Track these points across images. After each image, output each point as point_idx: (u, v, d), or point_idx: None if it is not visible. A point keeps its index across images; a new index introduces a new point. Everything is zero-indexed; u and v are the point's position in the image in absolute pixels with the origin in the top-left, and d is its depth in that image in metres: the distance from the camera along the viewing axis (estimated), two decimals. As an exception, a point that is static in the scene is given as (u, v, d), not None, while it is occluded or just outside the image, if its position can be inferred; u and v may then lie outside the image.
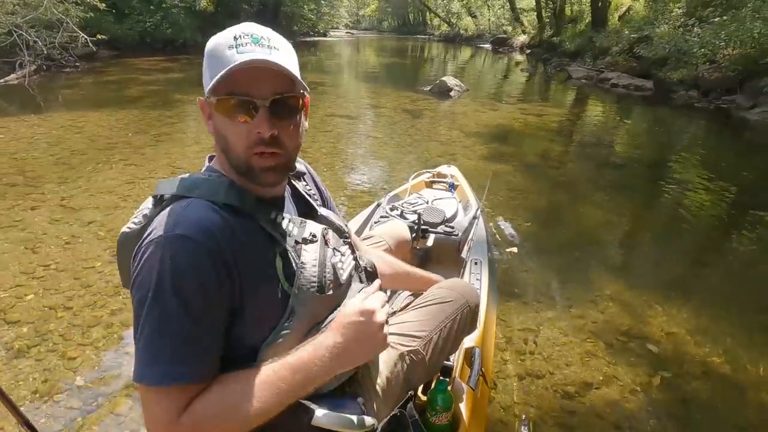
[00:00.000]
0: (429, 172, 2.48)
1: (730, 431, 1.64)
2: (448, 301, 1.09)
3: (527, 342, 2.01)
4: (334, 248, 0.83)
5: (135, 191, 3.50)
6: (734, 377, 1.88)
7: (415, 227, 1.79)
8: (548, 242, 3.04)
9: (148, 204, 0.78)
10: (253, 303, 0.70)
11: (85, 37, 10.23)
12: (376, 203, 2.10)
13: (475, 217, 2.03)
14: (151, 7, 15.87)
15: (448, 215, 1.96)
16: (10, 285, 2.29)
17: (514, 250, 2.78)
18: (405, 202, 2.04)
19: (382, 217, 1.91)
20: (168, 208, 0.70)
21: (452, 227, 1.88)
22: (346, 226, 0.95)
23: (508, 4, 24.67)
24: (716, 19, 9.06)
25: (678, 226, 3.47)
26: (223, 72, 0.66)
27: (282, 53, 0.72)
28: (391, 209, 1.97)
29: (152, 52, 13.79)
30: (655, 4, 13.33)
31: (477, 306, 1.16)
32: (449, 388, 1.11)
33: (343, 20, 51.83)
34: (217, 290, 0.66)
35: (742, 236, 3.31)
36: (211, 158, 0.83)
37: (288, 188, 0.88)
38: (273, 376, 0.67)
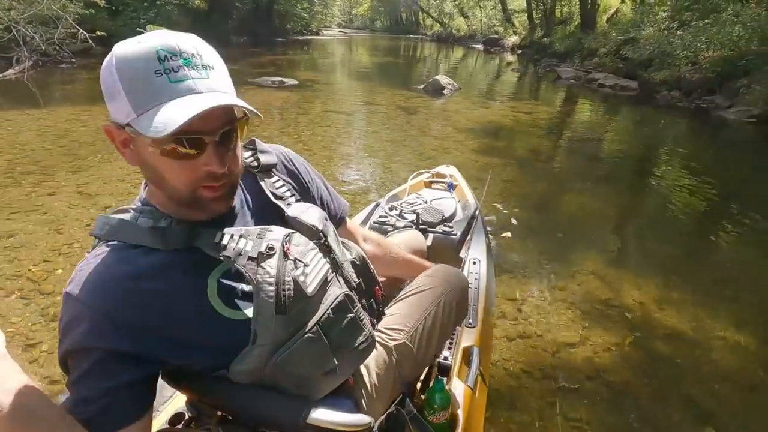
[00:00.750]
0: (428, 172, 2.48)
1: (688, 382, 1.89)
2: (429, 288, 1.07)
3: (515, 309, 2.26)
4: (296, 259, 0.73)
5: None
6: (694, 338, 2.14)
7: (414, 227, 1.82)
8: (536, 226, 3.29)
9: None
10: (196, 337, 0.68)
11: (84, 33, 10.30)
12: (375, 203, 2.09)
13: (473, 217, 2.02)
14: (145, 3, 15.91)
15: (447, 215, 1.96)
16: (40, 260, 2.48)
17: (509, 234, 3.02)
18: (404, 202, 2.03)
19: (381, 216, 1.90)
20: (94, 252, 0.70)
21: (451, 227, 1.87)
22: (324, 220, 0.85)
23: (499, 5, 25.04)
24: (698, 23, 9.44)
25: (653, 212, 3.77)
26: (176, 124, 0.57)
27: (218, 72, 0.65)
28: (390, 209, 1.96)
29: None
30: (641, 6, 13.76)
31: (464, 289, 1.14)
32: (447, 386, 1.11)
33: (336, 19, 51.89)
34: (121, 337, 0.64)
35: (708, 221, 3.60)
36: (146, 184, 0.76)
37: (243, 195, 0.81)
38: None
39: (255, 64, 12.55)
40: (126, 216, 0.71)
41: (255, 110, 0.65)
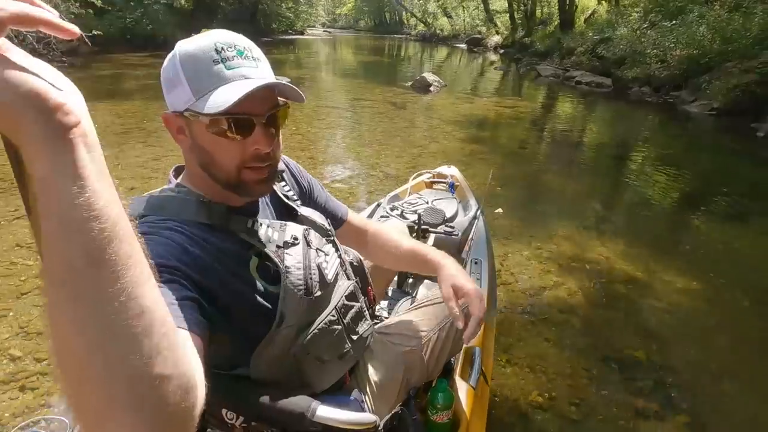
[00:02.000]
0: (429, 172, 2.49)
1: (641, 313, 2.33)
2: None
3: (498, 264, 2.67)
4: (317, 249, 0.82)
5: (162, 165, 4.01)
6: (647, 281, 2.59)
7: (416, 227, 1.82)
8: (518, 200, 3.73)
9: None
10: (236, 311, 0.69)
11: (83, 33, 10.42)
12: (376, 203, 2.10)
13: (475, 217, 2.03)
14: (131, 3, 15.94)
15: (448, 215, 1.97)
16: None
17: (500, 210, 3.43)
18: (405, 202, 2.05)
19: (382, 216, 1.93)
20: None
21: (452, 227, 1.88)
22: (328, 223, 0.94)
23: (482, 5, 25.64)
24: (667, 24, 10.08)
25: (621, 190, 4.28)
26: (234, 98, 0.63)
27: (264, 63, 0.72)
28: (392, 209, 1.98)
29: (133, 49, 13.87)
30: (616, 8, 14.44)
31: None
32: (450, 386, 1.12)
33: (320, 19, 52.00)
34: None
35: (667, 195, 4.09)
36: (177, 171, 0.80)
37: None
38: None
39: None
40: (169, 194, 0.74)
41: (300, 91, 0.73)
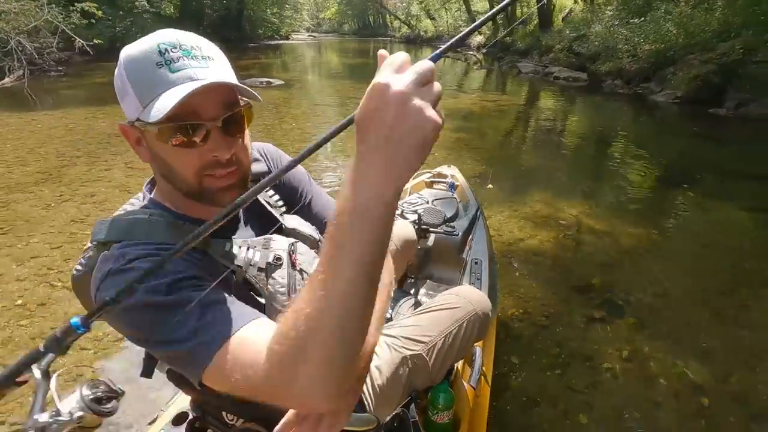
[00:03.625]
0: (429, 172, 2.48)
1: (599, 255, 2.85)
2: (456, 308, 1.09)
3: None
4: (301, 270, 0.75)
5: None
6: (608, 233, 3.12)
7: (416, 227, 1.81)
8: (503, 176, 4.24)
9: (90, 245, 0.71)
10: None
11: (82, 42, 10.73)
12: None
13: (475, 217, 2.04)
14: (121, 12, 16.19)
15: (449, 215, 1.97)
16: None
17: (491, 186, 3.93)
18: (405, 202, 2.04)
19: None
20: (108, 252, 0.64)
21: (453, 227, 1.88)
22: (317, 232, 0.85)
23: (464, 6, 26.31)
24: (637, 20, 10.76)
25: (590, 165, 4.86)
26: (172, 104, 0.58)
27: (218, 62, 0.66)
28: None
29: None
30: (591, 6, 15.17)
31: (486, 315, 1.13)
32: (451, 387, 1.13)
33: (305, 23, 52.36)
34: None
35: (630, 168, 4.65)
36: (150, 186, 0.75)
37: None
38: (325, 247, 0.48)
39: (235, 67, 13.15)
40: (136, 216, 0.68)
41: (253, 91, 0.66)
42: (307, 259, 0.77)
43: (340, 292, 0.46)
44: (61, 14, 10.75)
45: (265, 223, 0.79)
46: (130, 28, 16.26)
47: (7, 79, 9.14)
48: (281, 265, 0.71)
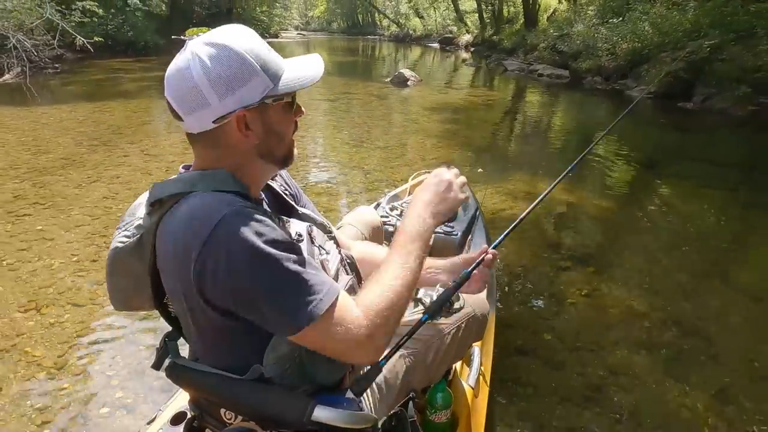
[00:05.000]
0: (428, 172, 2.87)
1: (572, 221, 3.30)
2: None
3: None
4: (320, 246, 0.84)
5: (185, 156, 4.81)
6: (578, 204, 3.57)
7: None
8: (488, 161, 4.69)
9: (138, 213, 0.76)
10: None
11: (83, 39, 10.93)
12: (375, 203, 2.14)
13: (474, 217, 2.04)
14: (113, 10, 16.28)
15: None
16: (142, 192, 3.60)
17: (481, 170, 4.37)
18: (404, 202, 2.06)
19: (382, 216, 1.90)
20: (188, 203, 0.66)
21: (451, 227, 1.88)
22: (327, 221, 0.95)
23: (452, 5, 26.79)
24: (615, 20, 11.34)
25: (566, 150, 5.33)
26: (308, 78, 0.75)
27: None
28: (391, 209, 1.99)
29: (115, 54, 14.26)
30: (574, 6, 15.75)
31: (485, 316, 1.16)
32: (449, 386, 1.13)
33: (294, 22, 52.41)
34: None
35: (602, 153, 5.14)
36: (186, 169, 0.79)
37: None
38: (399, 251, 0.75)
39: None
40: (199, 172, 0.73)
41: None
42: (322, 239, 0.88)
43: (410, 279, 0.72)
44: (61, 12, 10.93)
45: (279, 209, 0.88)
46: (122, 25, 16.34)
47: (7, 76, 9.33)
48: (302, 240, 0.78)
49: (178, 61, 0.68)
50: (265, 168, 0.78)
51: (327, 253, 0.85)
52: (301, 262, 0.65)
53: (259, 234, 0.62)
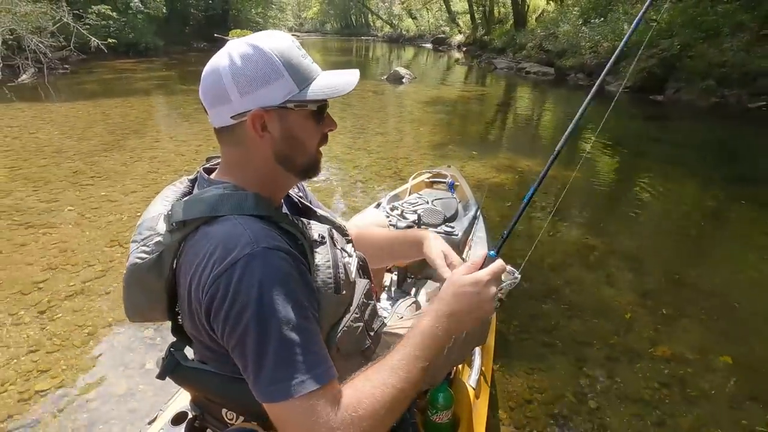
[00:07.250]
0: (429, 172, 2.53)
1: (556, 188, 3.93)
2: None
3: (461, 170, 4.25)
4: (341, 248, 0.84)
5: (209, 142, 5.38)
6: (559, 178, 4.21)
7: (415, 227, 1.84)
8: (478, 145, 5.33)
9: (158, 229, 0.73)
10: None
11: (97, 41, 11.46)
12: (376, 203, 2.15)
13: (475, 217, 2.06)
14: (115, 14, 16.72)
15: (448, 215, 1.99)
16: (173, 179, 4.18)
17: (475, 152, 5.00)
18: (405, 203, 2.06)
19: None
20: (216, 228, 0.67)
21: (452, 227, 1.90)
22: (344, 224, 0.96)
23: (445, 6, 27.42)
24: (598, 20, 12.05)
25: (546, 133, 5.98)
26: (337, 89, 0.72)
27: None
28: (392, 209, 1.99)
29: (117, 56, 14.61)
30: (560, 7, 16.47)
31: (489, 321, 1.17)
32: (450, 387, 1.14)
33: (288, 23, 52.84)
34: (311, 294, 0.69)
35: (581, 139, 5.80)
36: (207, 172, 0.80)
37: None
38: (407, 353, 0.68)
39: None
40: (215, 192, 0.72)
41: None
42: (342, 242, 0.88)
43: (413, 383, 0.67)
44: (77, 16, 11.46)
45: (296, 213, 0.87)
46: (124, 27, 16.79)
47: (24, 76, 9.86)
48: (325, 242, 0.78)
49: (214, 57, 0.72)
50: (286, 177, 0.77)
51: (349, 256, 0.87)
52: (303, 331, 0.63)
53: (272, 287, 0.62)
